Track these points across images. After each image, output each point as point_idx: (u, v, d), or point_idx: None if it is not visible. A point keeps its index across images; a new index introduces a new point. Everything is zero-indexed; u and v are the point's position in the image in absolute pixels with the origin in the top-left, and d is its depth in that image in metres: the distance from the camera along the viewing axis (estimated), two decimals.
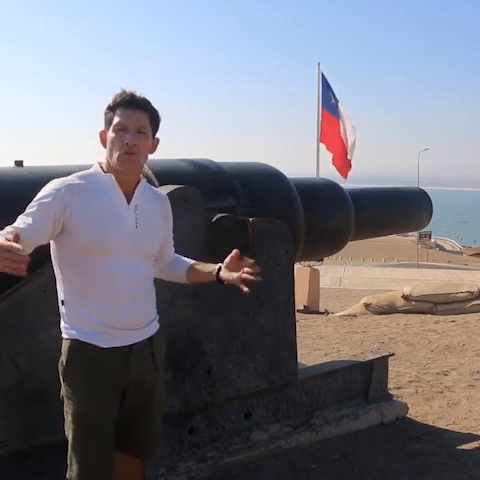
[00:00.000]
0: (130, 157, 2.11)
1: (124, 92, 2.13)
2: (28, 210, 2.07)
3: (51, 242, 2.16)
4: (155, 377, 2.30)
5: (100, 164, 2.20)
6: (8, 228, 1.95)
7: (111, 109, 2.13)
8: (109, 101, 2.15)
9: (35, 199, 2.09)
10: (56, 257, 2.18)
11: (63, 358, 2.17)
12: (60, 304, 2.20)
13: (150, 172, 3.30)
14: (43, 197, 2.08)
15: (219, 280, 2.28)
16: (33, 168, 3.16)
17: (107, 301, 2.13)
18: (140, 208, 2.20)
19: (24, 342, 2.71)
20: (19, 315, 2.69)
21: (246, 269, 2.16)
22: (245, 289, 2.16)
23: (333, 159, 14.59)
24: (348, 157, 14.30)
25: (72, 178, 2.15)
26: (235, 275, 2.19)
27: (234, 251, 2.22)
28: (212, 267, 2.33)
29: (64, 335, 2.18)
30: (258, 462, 3.48)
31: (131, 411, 2.26)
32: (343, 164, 14.47)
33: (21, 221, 2.02)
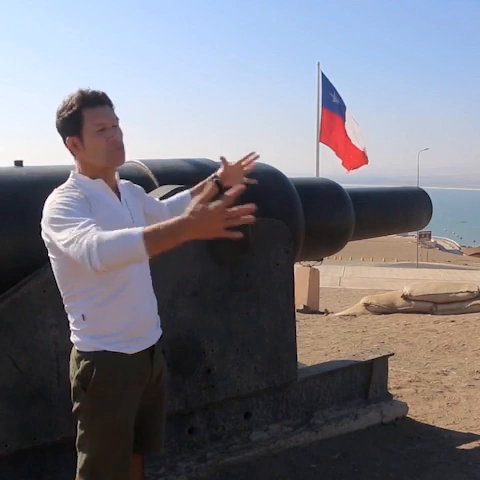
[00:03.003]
0: (120, 152, 2.09)
1: (84, 91, 2.05)
2: (66, 215, 1.89)
3: (60, 263, 2.04)
4: (166, 375, 2.35)
5: (75, 173, 2.12)
6: (91, 227, 1.79)
7: (76, 111, 2.03)
8: (66, 103, 2.04)
9: (59, 207, 1.92)
10: (71, 275, 2.05)
11: (86, 373, 2.08)
12: (81, 319, 2.09)
13: (150, 172, 3.30)
14: (71, 201, 1.94)
15: (220, 188, 2.41)
16: (33, 168, 3.16)
17: (132, 302, 2.11)
18: (128, 202, 2.21)
19: (24, 342, 2.71)
20: (19, 315, 2.69)
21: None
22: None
23: (337, 153, 14.40)
24: (359, 147, 14.08)
25: (67, 192, 2.01)
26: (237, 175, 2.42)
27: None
28: (209, 182, 2.45)
29: (86, 349, 2.10)
30: (258, 462, 3.48)
31: (144, 410, 2.25)
32: (350, 155, 14.25)
33: (86, 221, 1.83)
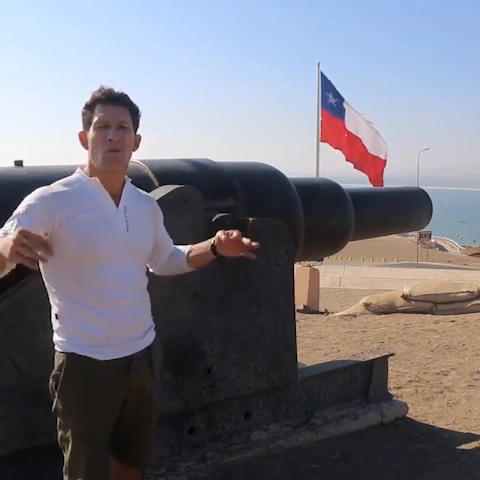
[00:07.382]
0: (115, 155, 2.03)
1: (102, 88, 2.06)
2: (16, 214, 1.96)
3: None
4: (153, 387, 2.26)
5: (82, 168, 2.12)
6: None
7: (89, 108, 2.05)
8: (86, 100, 2.07)
9: (21, 206, 1.98)
10: (46, 270, 2.09)
11: (57, 372, 2.10)
12: (54, 318, 2.12)
13: (150, 172, 3.30)
14: (29, 205, 1.98)
15: (215, 254, 2.28)
16: (33, 168, 3.16)
17: (106, 308, 2.05)
18: (129, 210, 2.13)
19: (24, 342, 2.70)
20: (19, 315, 2.69)
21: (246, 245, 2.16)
22: (252, 255, 2.18)
23: (359, 167, 14.09)
24: (372, 153, 13.87)
25: (56, 186, 2.05)
26: (233, 249, 2.20)
27: (235, 235, 2.18)
28: (206, 245, 2.31)
29: (59, 349, 2.11)
30: (258, 462, 3.47)
31: (130, 422, 2.21)
32: (369, 166, 14.03)
33: (12, 226, 1.89)
